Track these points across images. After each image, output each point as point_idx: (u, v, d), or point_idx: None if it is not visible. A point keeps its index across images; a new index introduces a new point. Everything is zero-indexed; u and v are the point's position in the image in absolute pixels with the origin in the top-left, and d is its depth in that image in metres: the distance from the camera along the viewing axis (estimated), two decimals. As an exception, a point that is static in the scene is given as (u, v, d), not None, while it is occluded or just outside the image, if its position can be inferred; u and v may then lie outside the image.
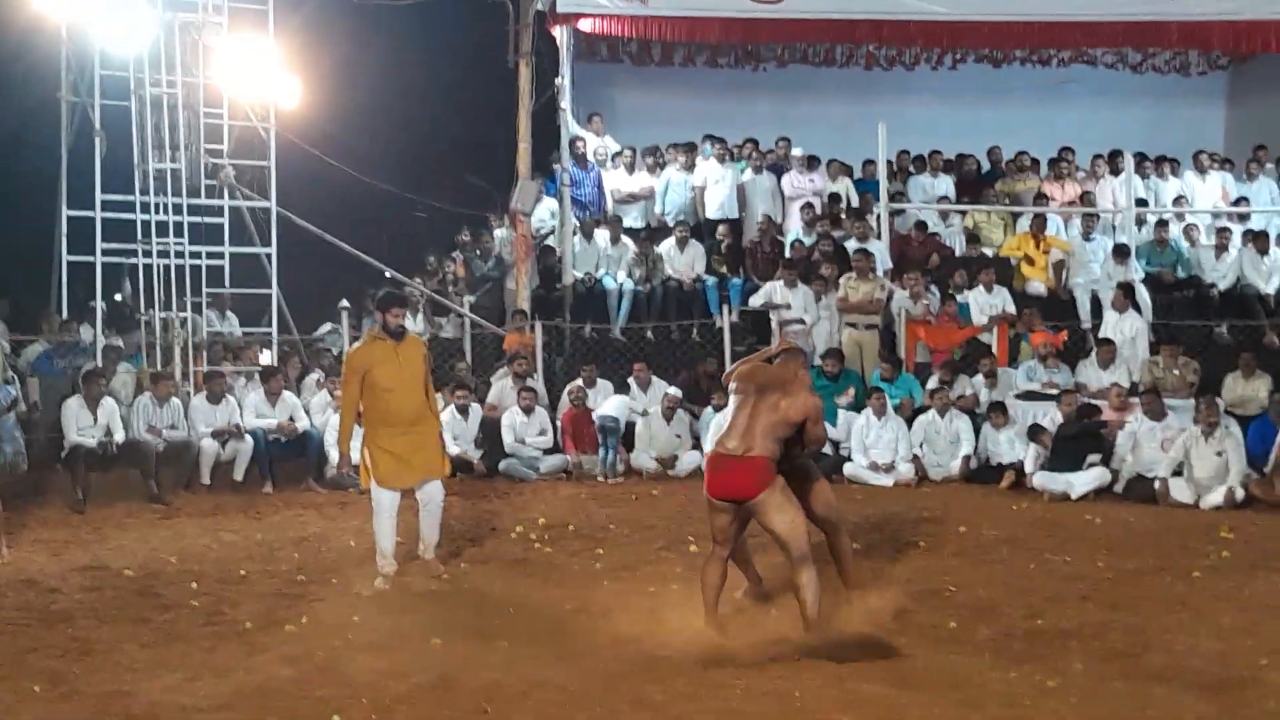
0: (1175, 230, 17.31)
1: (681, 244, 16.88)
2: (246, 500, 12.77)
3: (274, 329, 15.52)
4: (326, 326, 16.46)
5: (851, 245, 16.28)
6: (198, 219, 14.92)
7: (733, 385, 7.71)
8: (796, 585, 7.21)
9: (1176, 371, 14.20)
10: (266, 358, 15.44)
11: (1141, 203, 17.55)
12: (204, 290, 14.89)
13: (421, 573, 9.03)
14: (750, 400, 7.46)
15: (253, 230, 15.67)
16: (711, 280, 16.72)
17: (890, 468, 13.57)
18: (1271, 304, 16.08)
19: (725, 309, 15.86)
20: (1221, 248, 16.68)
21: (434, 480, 9.13)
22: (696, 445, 14.29)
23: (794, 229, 17.34)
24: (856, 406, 14.34)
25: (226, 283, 15.25)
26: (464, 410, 14.18)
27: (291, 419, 13.78)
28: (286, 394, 14.04)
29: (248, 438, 13.46)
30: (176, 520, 11.67)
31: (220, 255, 15.06)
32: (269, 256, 15.43)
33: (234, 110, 15.25)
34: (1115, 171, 17.78)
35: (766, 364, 7.89)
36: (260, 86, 15.26)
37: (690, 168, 17.84)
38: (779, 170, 17.97)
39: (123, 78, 14.60)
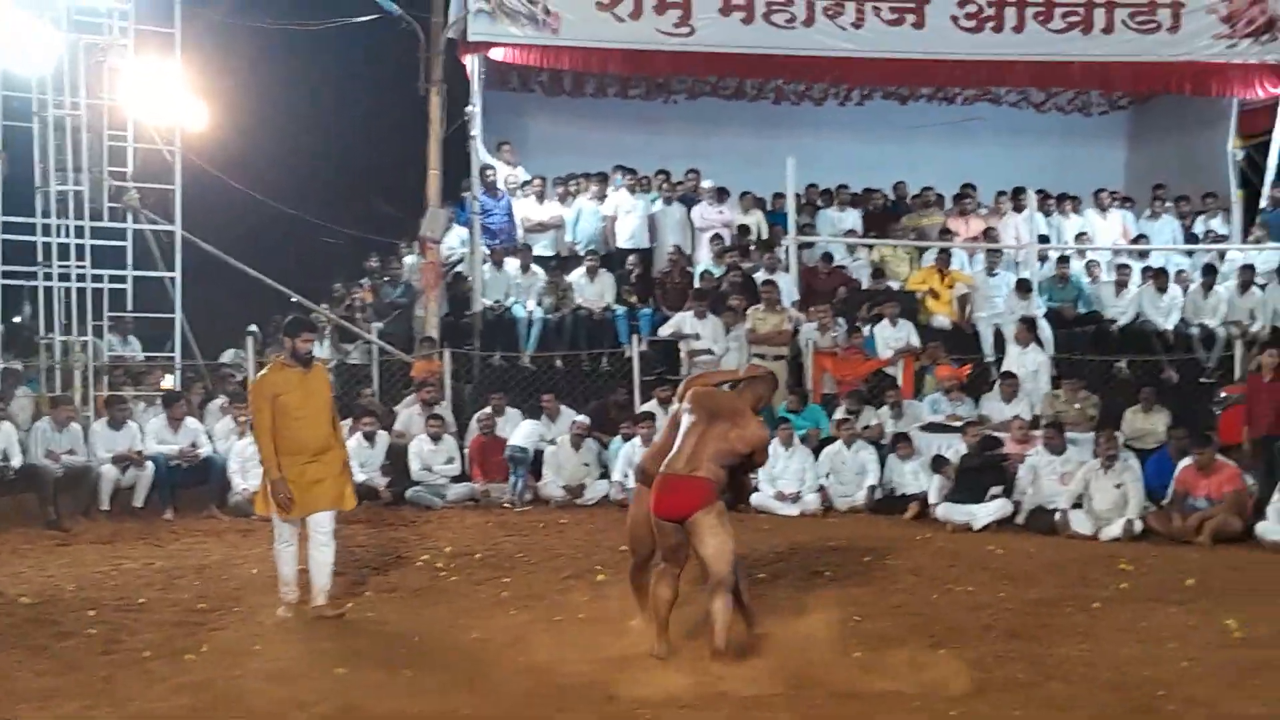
0: (1076, 266, 17.62)
1: (592, 273, 16.91)
2: (147, 527, 12.57)
3: (177, 354, 15.31)
4: (230, 353, 16.23)
5: (760, 277, 16.40)
6: (100, 242, 14.71)
7: (685, 405, 7.74)
8: (709, 610, 7.27)
9: (1077, 405, 14.44)
10: (169, 383, 15.22)
11: (1044, 239, 17.86)
12: (105, 314, 14.68)
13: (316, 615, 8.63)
14: (700, 426, 7.53)
15: (156, 254, 15.46)
16: (621, 310, 16.76)
17: (796, 498, 13.64)
18: (1170, 340, 16.41)
19: (635, 339, 15.89)
20: (1121, 284, 17.00)
21: (326, 511, 8.75)
22: (605, 474, 14.31)
23: (704, 260, 17.43)
24: (764, 437, 14.38)
25: (129, 306, 15.06)
26: (370, 437, 14.08)
27: (194, 445, 13.60)
28: (189, 420, 13.86)
29: (148, 464, 13.26)
30: (75, 547, 11.46)
31: (123, 279, 14.87)
32: (173, 280, 15.24)
33: (139, 133, 15.07)
34: (1018, 208, 18.07)
35: (721, 389, 7.92)
36: (166, 109, 15.11)
37: (602, 197, 17.89)
38: (689, 201, 18.08)
39: (25, 99, 14.40)
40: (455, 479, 14.27)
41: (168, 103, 15.08)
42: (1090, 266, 17.50)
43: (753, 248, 17.50)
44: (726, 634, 7.26)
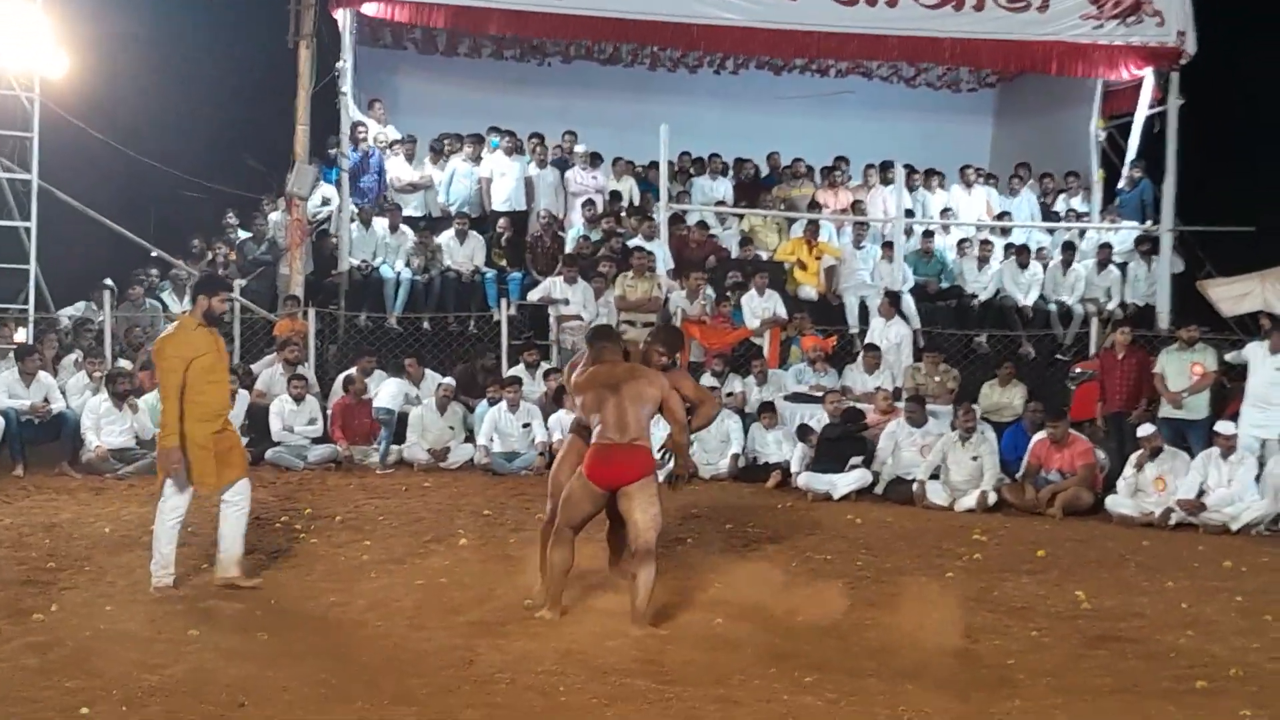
0: (940, 241, 17.89)
1: (461, 236, 16.79)
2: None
3: (30, 306, 14.89)
4: (80, 305, 15.79)
5: (632, 244, 16.40)
6: (-47, 190, 14.27)
7: (583, 397, 7.77)
8: (636, 575, 7.43)
9: (938, 378, 14.68)
10: (22, 336, 14.80)
11: (910, 213, 18.09)
12: (-43, 264, 14.25)
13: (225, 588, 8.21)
14: (610, 398, 7.62)
15: (11, 203, 15.02)
16: (491, 273, 16.69)
17: (661, 465, 13.64)
18: (1029, 315, 16.76)
19: (504, 302, 15.86)
20: (983, 260, 17.32)
21: (244, 478, 8.45)
22: (470, 438, 14.23)
23: (575, 224, 17.38)
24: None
25: (-19, 257, 14.62)
26: (231, 396, 13.81)
27: (46, 400, 13.25)
28: (42, 374, 13.48)
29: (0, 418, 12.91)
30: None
31: (-25, 228, 14.44)
32: (28, 231, 14.81)
33: (-4, 78, 14.62)
34: (886, 182, 18.30)
35: (609, 364, 7.90)
36: (25, 55, 14.64)
37: (477, 159, 17.75)
38: (563, 165, 18.01)
39: (-126, 39, 13.87)
40: (317, 440, 14.09)
41: (27, 49, 14.62)
42: (962, 243, 17.75)
43: (625, 214, 17.49)
44: (649, 601, 7.41)
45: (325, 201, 17.19)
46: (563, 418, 13.77)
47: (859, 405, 13.93)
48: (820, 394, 14.29)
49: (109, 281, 15.12)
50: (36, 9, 14.58)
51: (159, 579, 8.06)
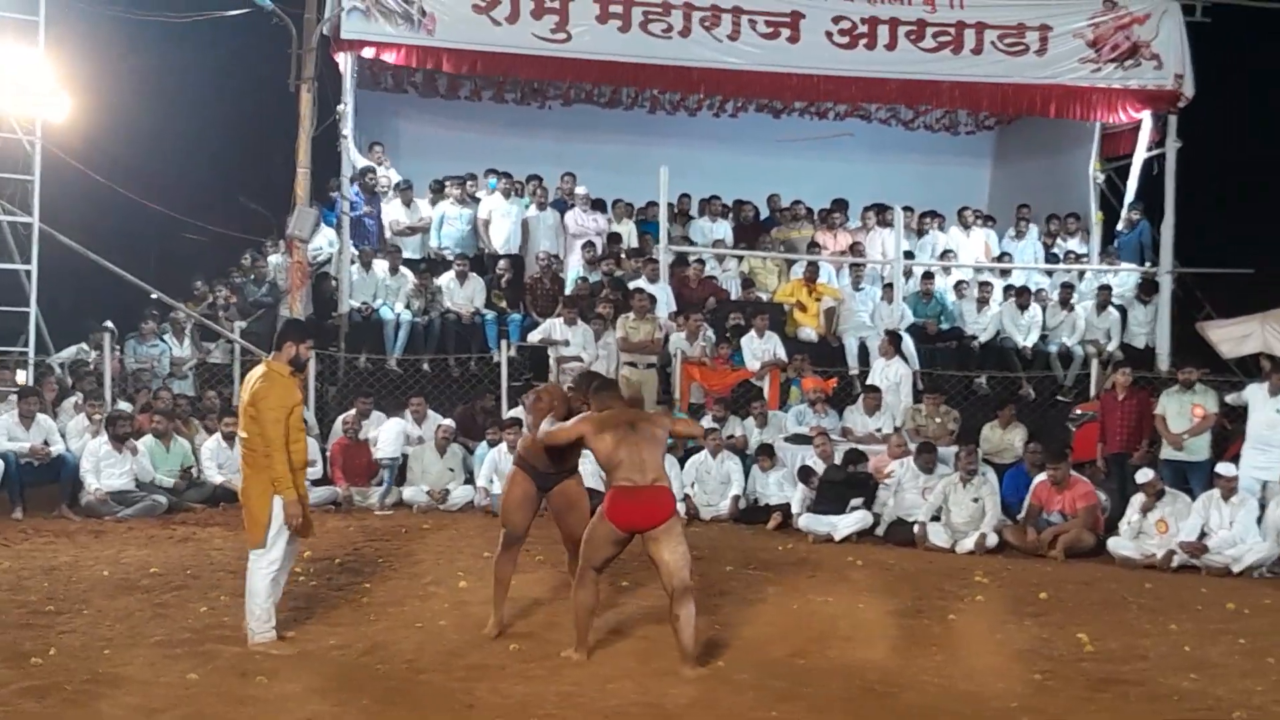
0: (940, 283, 17.91)
1: (461, 277, 16.81)
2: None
3: (31, 348, 14.88)
4: (72, 349, 15.78)
5: (633, 285, 16.42)
6: (-47, 232, 14.28)
7: (601, 440, 7.67)
8: (678, 616, 7.40)
9: (938, 420, 14.67)
10: (22, 378, 14.78)
11: (909, 255, 18.13)
12: (-43, 306, 14.23)
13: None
14: (628, 439, 7.60)
15: (12, 246, 15.03)
16: (491, 315, 16.70)
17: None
18: (1029, 357, 16.76)
19: (504, 344, 15.84)
20: (983, 301, 17.34)
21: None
22: (470, 480, 14.21)
23: (575, 266, 17.41)
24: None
25: (-18, 299, 14.61)
26: (230, 439, 13.80)
27: (46, 442, 13.23)
28: (41, 416, 13.47)
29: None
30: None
31: (-24, 271, 14.43)
32: (28, 273, 14.82)
33: (-2, 122, 14.65)
34: (885, 223, 18.33)
35: (618, 408, 7.95)
36: (27, 99, 14.69)
37: (465, 200, 17.80)
38: (562, 207, 18.05)
39: (-122, 84, 13.91)
40: (316, 482, 14.05)
41: (29, 92, 14.66)
42: (960, 285, 17.77)
43: (623, 256, 17.53)
44: (695, 640, 7.43)
45: (317, 248, 17.17)
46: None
47: (862, 447, 13.89)
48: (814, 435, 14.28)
49: (109, 324, 15.11)
50: (38, 53, 14.62)
51: (261, 634, 7.77)
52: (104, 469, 13.14)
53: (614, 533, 7.52)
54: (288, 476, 7.75)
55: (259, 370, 7.98)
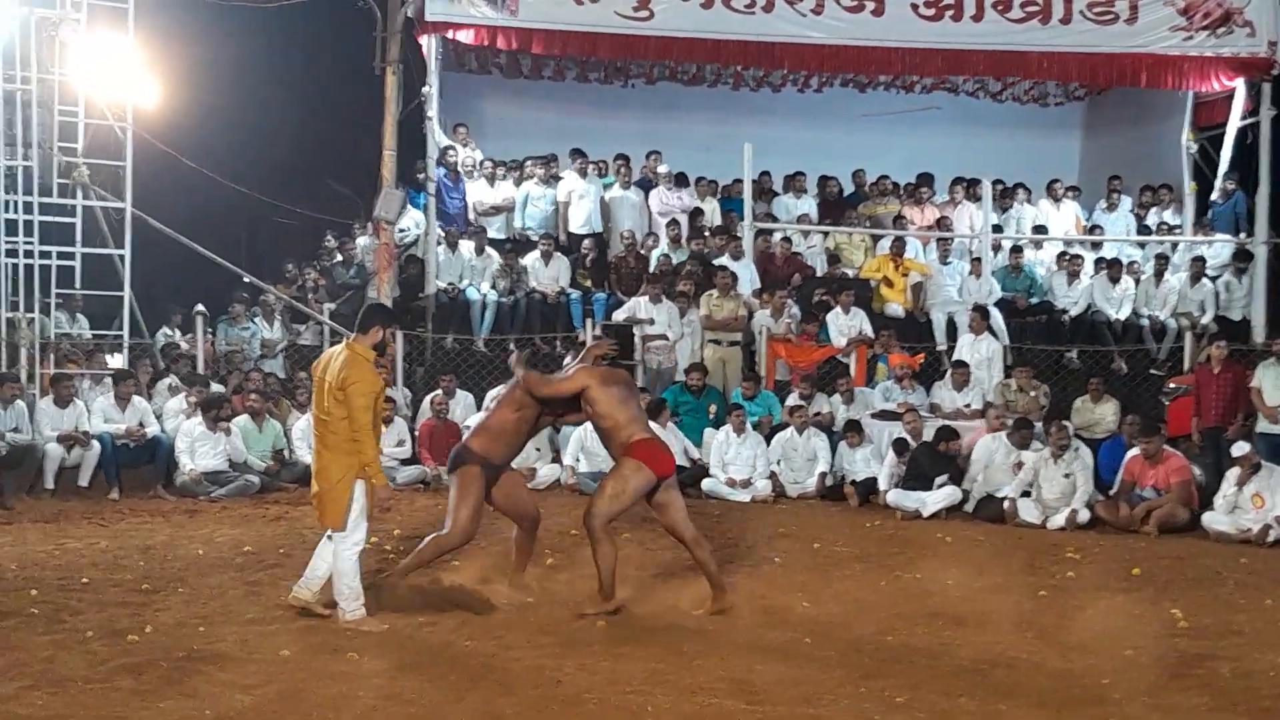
0: (1029, 256, 17.70)
1: (546, 257, 16.87)
2: (91, 506, 12.43)
3: (125, 331, 15.12)
4: (162, 333, 16.02)
5: (717, 263, 16.39)
6: (49, 218, 14.50)
7: (618, 391, 8.23)
8: (701, 560, 8.21)
9: (1032, 394, 14.51)
10: (118, 361, 15.03)
11: (997, 229, 17.92)
12: (53, 291, 14.46)
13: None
14: (631, 397, 8.34)
15: (106, 231, 15.27)
16: (576, 294, 16.74)
17: (748, 484, 13.65)
18: (1120, 330, 16.52)
19: (589, 323, 15.87)
20: (1073, 275, 17.10)
21: None
22: (556, 458, 14.27)
23: (660, 244, 17.40)
24: (716, 423, 14.41)
25: (77, 284, 14.83)
26: (322, 419, 13.98)
27: (141, 424, 13.47)
28: (137, 399, 13.73)
29: (94, 442, 13.12)
30: (18, 525, 11.31)
31: (71, 256, 14.66)
32: (122, 258, 15.05)
33: (90, 109, 14.83)
34: (973, 198, 18.14)
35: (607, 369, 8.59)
36: (118, 85, 14.89)
37: (548, 181, 17.84)
38: (647, 186, 18.04)
39: (-25, 73, 14.15)
40: (405, 461, 14.20)
41: (120, 78, 14.86)
42: (1059, 258, 17.54)
43: (707, 233, 17.49)
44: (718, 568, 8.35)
45: (403, 229, 17.29)
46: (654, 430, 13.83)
47: (951, 423, 13.78)
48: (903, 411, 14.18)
49: (201, 307, 15.32)
50: (128, 39, 14.82)
51: (353, 611, 7.81)
52: (198, 449, 13.36)
53: (651, 482, 7.95)
54: (379, 462, 7.85)
55: (341, 351, 7.96)
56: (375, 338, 7.95)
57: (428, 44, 17.00)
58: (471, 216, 17.67)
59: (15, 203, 14.17)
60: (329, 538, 7.93)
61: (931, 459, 13.03)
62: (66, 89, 14.61)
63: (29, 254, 14.16)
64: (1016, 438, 13.03)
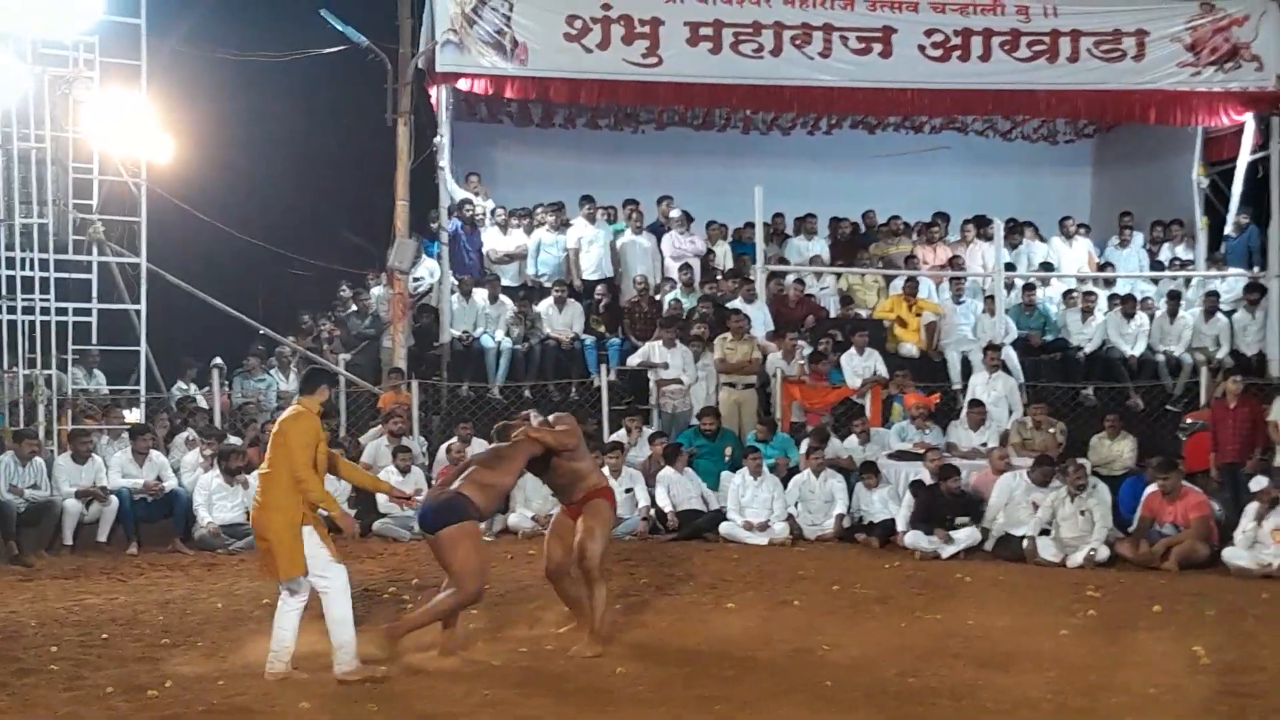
0: (1042, 294, 17.70)
1: (560, 303, 16.91)
2: (110, 561, 12.45)
3: (142, 386, 15.19)
4: (178, 387, 16.08)
5: (730, 306, 16.41)
6: (66, 275, 14.59)
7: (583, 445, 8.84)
8: (594, 595, 8.47)
9: (1050, 431, 14.47)
10: (134, 416, 15.09)
11: (1010, 267, 17.93)
12: (70, 347, 14.53)
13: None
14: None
15: (122, 287, 15.37)
16: (590, 340, 16.76)
17: (765, 526, 13.61)
18: (1135, 366, 16.50)
19: (603, 368, 15.90)
20: (1087, 311, 17.08)
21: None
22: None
23: (673, 289, 17.43)
24: (733, 466, 14.40)
25: (94, 339, 14.91)
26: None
27: (159, 478, 13.50)
28: (154, 453, 13.75)
29: (112, 498, 13.15)
30: (37, 582, 11.32)
31: (88, 311, 14.74)
32: (138, 313, 15.13)
33: (104, 165, 14.97)
34: (985, 236, 18.16)
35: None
36: (131, 142, 15.02)
37: (559, 228, 17.91)
38: (658, 231, 18.10)
39: (-10, 131, 14.27)
40: (421, 511, 14.18)
41: (133, 135, 14.99)
42: (1069, 294, 17.55)
43: (720, 277, 17.53)
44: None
45: (418, 278, 17.37)
46: (670, 475, 13.85)
47: (960, 462, 13.73)
48: (923, 451, 14.15)
49: (219, 360, 15.39)
50: (141, 97, 14.95)
51: (347, 663, 7.70)
52: (216, 502, 13.37)
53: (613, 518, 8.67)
54: (327, 495, 7.91)
55: (290, 410, 8.10)
56: (322, 397, 8.16)
57: (438, 94, 17.12)
58: (486, 265, 17.73)
59: (32, 260, 14.26)
60: (283, 601, 7.89)
61: (937, 499, 12.96)
62: (81, 146, 14.74)
63: (45, 310, 14.25)
64: (1038, 475, 12.98)
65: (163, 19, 15.45)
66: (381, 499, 13.87)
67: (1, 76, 14.01)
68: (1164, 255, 18.66)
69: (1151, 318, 17.04)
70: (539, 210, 18.14)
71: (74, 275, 14.70)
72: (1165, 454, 13.38)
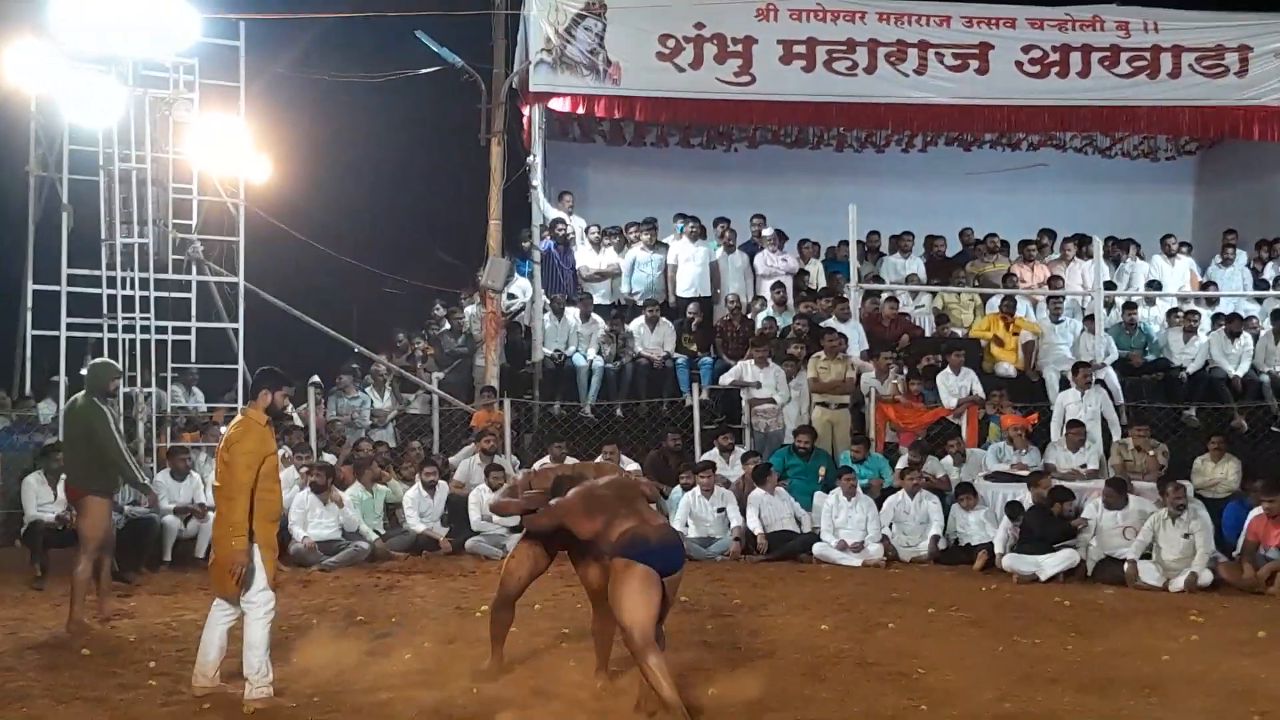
0: (1144, 313, 17.41)
1: (652, 322, 16.90)
2: (207, 578, 12.51)
3: (240, 404, 15.32)
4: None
5: (824, 325, 16.30)
6: (165, 294, 14.80)
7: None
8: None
9: (1151, 452, 14.20)
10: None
11: (1110, 286, 17.65)
12: (169, 365, 14.74)
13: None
14: None
15: (220, 305, 15.58)
16: (682, 358, 16.73)
17: (859, 548, 13.48)
18: (1239, 387, 16.14)
19: (695, 387, 15.84)
20: (1189, 331, 16.77)
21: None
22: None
23: (765, 307, 17.36)
24: (826, 486, 14.28)
25: (193, 357, 15.11)
26: (431, 487, 14.10)
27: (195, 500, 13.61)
28: (193, 474, 13.87)
29: (210, 514, 13.26)
30: (136, 597, 11.46)
31: (187, 330, 14.94)
32: (236, 332, 15.32)
33: (203, 185, 15.17)
34: (1084, 255, 17.89)
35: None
36: (230, 162, 15.23)
37: (653, 246, 17.90)
38: (751, 249, 18.03)
39: (92, 152, 14.46)
40: (515, 529, 14.18)
41: (232, 156, 15.20)
42: (1172, 314, 17.26)
43: (813, 296, 17.43)
44: None
45: (510, 297, 17.46)
46: (761, 497, 13.75)
47: (1066, 484, 13.49)
48: (1022, 472, 13.93)
49: (316, 378, 15.54)
50: (239, 118, 15.15)
51: (260, 689, 7.65)
52: (310, 520, 13.48)
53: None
54: (244, 524, 7.57)
55: (236, 419, 7.94)
56: (265, 402, 7.82)
57: (532, 114, 17.21)
58: (578, 283, 17.78)
59: (133, 279, 14.45)
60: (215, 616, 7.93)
61: (1044, 521, 12.76)
62: (181, 167, 14.93)
63: (145, 329, 14.43)
64: (1108, 498, 12.74)
65: (260, 41, 15.65)
66: (475, 516, 13.93)
67: (103, 98, 14.25)
68: (1268, 274, 18.29)
69: (1256, 338, 16.68)
70: (631, 229, 18.16)
71: (174, 294, 14.88)
72: (1271, 476, 13.05)
